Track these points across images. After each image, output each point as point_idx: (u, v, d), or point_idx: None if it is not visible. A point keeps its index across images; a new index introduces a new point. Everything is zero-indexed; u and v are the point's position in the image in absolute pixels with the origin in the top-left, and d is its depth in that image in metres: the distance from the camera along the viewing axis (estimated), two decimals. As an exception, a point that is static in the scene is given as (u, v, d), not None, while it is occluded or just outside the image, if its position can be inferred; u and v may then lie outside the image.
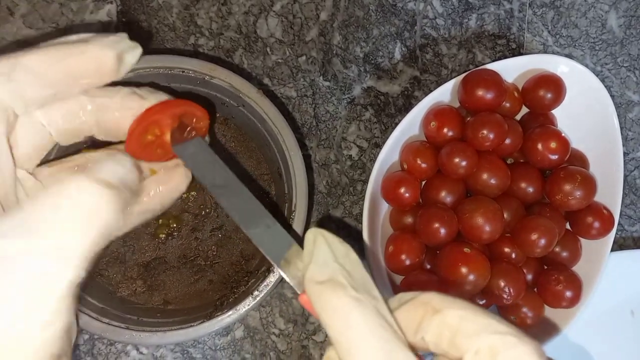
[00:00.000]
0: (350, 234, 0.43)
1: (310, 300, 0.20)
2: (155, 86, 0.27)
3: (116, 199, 0.19)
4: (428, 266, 0.39)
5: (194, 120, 0.27)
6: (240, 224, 0.24)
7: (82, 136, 0.24)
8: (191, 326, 0.32)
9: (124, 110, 0.23)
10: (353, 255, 0.21)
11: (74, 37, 0.21)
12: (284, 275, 0.23)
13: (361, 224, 0.38)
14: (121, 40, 0.22)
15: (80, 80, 0.21)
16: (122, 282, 0.37)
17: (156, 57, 0.34)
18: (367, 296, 0.19)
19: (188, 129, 0.26)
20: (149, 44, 0.43)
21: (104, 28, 0.42)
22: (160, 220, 0.38)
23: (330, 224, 0.43)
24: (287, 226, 0.34)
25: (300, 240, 0.23)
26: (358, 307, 0.18)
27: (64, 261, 0.17)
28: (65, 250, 0.18)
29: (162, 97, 0.25)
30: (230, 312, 0.32)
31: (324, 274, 0.20)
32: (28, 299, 0.17)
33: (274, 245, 0.23)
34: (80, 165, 0.24)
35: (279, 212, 0.36)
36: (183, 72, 0.34)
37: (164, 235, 0.38)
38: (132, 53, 0.22)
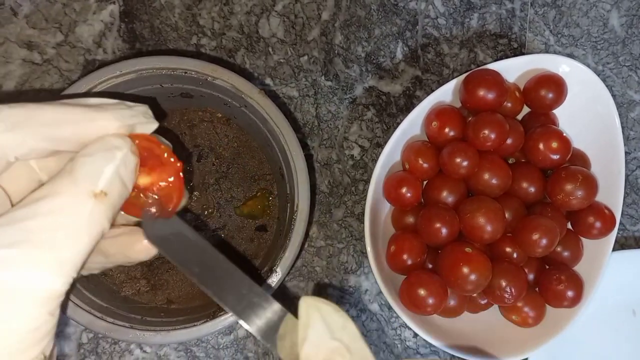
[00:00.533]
0: (351, 233, 0.43)
1: None
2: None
3: (111, 207, 0.19)
4: (429, 266, 0.39)
5: (161, 162, 0.23)
6: (226, 305, 0.22)
7: None
8: (194, 325, 0.33)
9: None
10: (350, 327, 0.20)
11: (93, 100, 0.21)
12: (279, 354, 0.21)
13: (363, 223, 0.38)
14: (136, 115, 0.21)
15: (84, 144, 0.20)
16: (125, 282, 0.37)
17: (159, 58, 0.34)
18: None
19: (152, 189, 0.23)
20: (152, 44, 0.43)
21: (107, 28, 0.42)
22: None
23: (332, 223, 0.43)
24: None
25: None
26: None
27: (55, 271, 0.18)
28: (57, 261, 0.18)
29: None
30: (232, 312, 0.33)
31: (321, 352, 0.19)
32: (9, 306, 0.17)
33: (265, 322, 0.21)
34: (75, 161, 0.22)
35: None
36: (185, 73, 0.34)
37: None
38: (146, 127, 0.22)
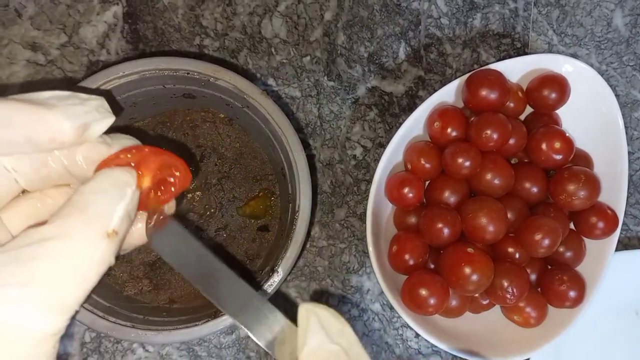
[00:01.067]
0: (354, 233, 0.43)
1: None
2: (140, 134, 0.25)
3: (119, 242, 0.19)
4: (432, 266, 0.39)
5: (173, 178, 0.23)
6: (227, 311, 0.22)
7: (51, 183, 0.22)
8: (196, 325, 0.33)
9: (89, 161, 0.21)
10: (348, 331, 0.20)
11: (44, 94, 0.20)
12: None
13: (365, 223, 0.38)
14: (89, 110, 0.20)
15: (38, 146, 0.19)
16: (128, 281, 0.38)
17: (161, 59, 0.34)
18: None
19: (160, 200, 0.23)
20: (155, 45, 0.43)
21: (110, 29, 0.42)
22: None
23: (334, 223, 0.43)
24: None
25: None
26: None
27: (59, 312, 0.17)
28: (62, 302, 0.17)
29: (127, 142, 0.22)
30: (234, 311, 0.33)
31: (320, 357, 0.19)
32: (10, 347, 0.17)
33: (266, 328, 0.22)
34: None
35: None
36: (188, 73, 0.34)
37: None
38: (101, 123, 0.20)
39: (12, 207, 0.21)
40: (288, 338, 0.21)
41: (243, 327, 0.22)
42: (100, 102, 0.21)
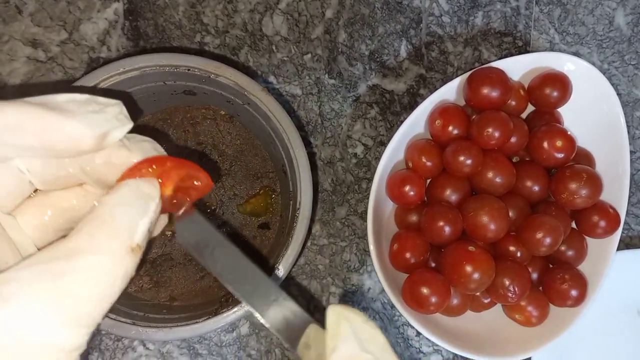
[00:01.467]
0: (354, 232, 0.43)
1: None
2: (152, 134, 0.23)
3: (141, 255, 0.19)
4: (433, 264, 0.39)
5: (193, 188, 0.23)
6: (255, 309, 0.22)
7: (66, 184, 0.22)
8: (197, 322, 0.33)
9: (109, 166, 0.21)
10: (380, 338, 0.20)
11: (61, 97, 0.19)
12: None
13: (366, 222, 0.38)
14: (108, 119, 0.20)
15: (55, 152, 0.19)
16: (128, 279, 0.38)
17: (162, 55, 0.34)
18: None
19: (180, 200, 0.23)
20: (155, 42, 0.43)
21: (111, 26, 0.42)
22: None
23: (334, 222, 0.43)
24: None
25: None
26: None
27: (82, 326, 0.17)
28: (87, 316, 0.17)
29: (147, 146, 0.22)
30: (235, 309, 0.33)
31: None
32: None
33: (292, 329, 0.21)
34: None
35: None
36: (189, 70, 0.34)
37: (170, 233, 0.38)
38: (119, 130, 0.20)
39: (27, 212, 0.21)
40: (314, 341, 0.20)
41: (269, 325, 0.21)
42: (119, 109, 0.20)
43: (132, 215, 0.19)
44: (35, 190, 0.21)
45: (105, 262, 0.18)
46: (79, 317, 0.17)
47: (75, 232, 0.18)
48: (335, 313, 0.20)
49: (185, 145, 0.39)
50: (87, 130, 0.19)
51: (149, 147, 0.22)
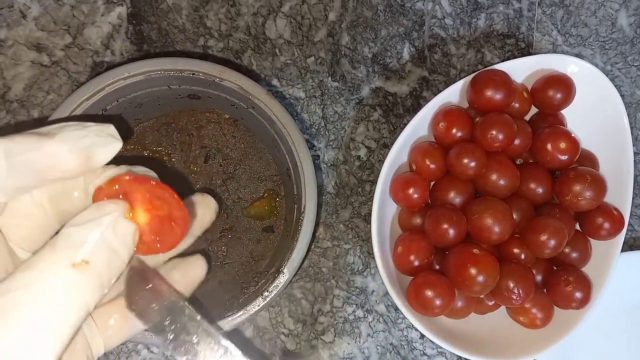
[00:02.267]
0: (358, 234, 0.43)
1: None
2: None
3: (97, 277, 0.17)
4: (437, 267, 0.39)
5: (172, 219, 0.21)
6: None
7: (70, 216, 0.20)
8: (202, 326, 0.33)
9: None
10: None
11: (53, 126, 0.19)
12: None
13: (370, 224, 0.38)
14: (88, 134, 0.19)
15: (40, 174, 0.18)
16: (133, 282, 0.38)
17: (167, 59, 0.34)
18: None
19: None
20: (159, 46, 0.43)
21: (115, 30, 0.42)
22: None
23: (338, 224, 0.43)
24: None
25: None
26: None
27: (37, 348, 0.16)
28: (39, 337, 0.16)
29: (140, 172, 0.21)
30: (240, 313, 0.33)
31: None
32: None
33: None
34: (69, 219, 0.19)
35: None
36: (193, 74, 0.34)
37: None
38: (105, 149, 0.19)
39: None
40: None
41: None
42: (103, 127, 0.20)
43: (79, 230, 0.18)
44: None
45: (42, 276, 0.16)
46: (33, 348, 0.16)
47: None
48: None
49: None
50: (64, 145, 0.18)
51: (142, 170, 0.21)
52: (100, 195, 0.20)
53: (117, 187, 0.20)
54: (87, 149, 0.19)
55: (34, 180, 0.18)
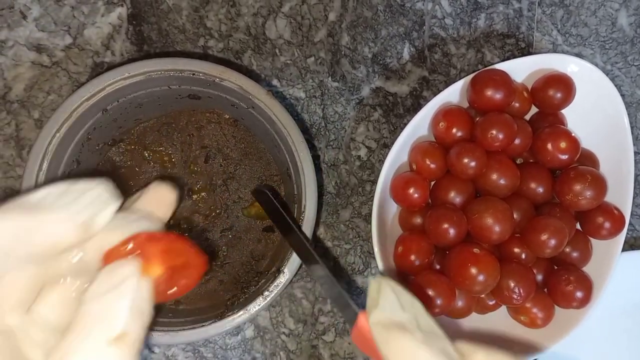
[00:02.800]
0: (359, 234, 0.43)
1: (376, 341, 0.20)
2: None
3: (136, 342, 0.17)
4: (437, 267, 0.39)
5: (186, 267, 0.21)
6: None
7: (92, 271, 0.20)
8: (202, 326, 0.33)
9: (101, 254, 0.19)
10: (419, 305, 0.21)
11: (39, 194, 0.18)
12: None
13: (370, 224, 0.38)
14: (86, 205, 0.18)
15: (41, 256, 0.18)
16: (133, 282, 0.38)
17: (167, 60, 0.34)
18: (434, 336, 0.20)
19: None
20: (159, 46, 0.43)
21: (115, 31, 0.42)
22: (171, 221, 0.38)
23: (339, 224, 0.43)
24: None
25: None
26: (425, 346, 0.19)
27: None
28: None
29: (135, 226, 0.20)
30: (240, 312, 0.33)
31: (391, 320, 0.20)
32: None
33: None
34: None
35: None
36: (193, 74, 0.34)
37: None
38: (104, 212, 0.19)
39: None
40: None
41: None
42: (99, 190, 0.19)
43: (106, 303, 0.17)
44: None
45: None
46: None
47: (60, 341, 0.17)
48: (377, 281, 0.22)
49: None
50: (67, 222, 0.18)
51: (144, 225, 0.20)
52: (110, 257, 0.19)
53: (131, 246, 0.19)
54: (89, 220, 0.18)
55: (28, 261, 0.18)
